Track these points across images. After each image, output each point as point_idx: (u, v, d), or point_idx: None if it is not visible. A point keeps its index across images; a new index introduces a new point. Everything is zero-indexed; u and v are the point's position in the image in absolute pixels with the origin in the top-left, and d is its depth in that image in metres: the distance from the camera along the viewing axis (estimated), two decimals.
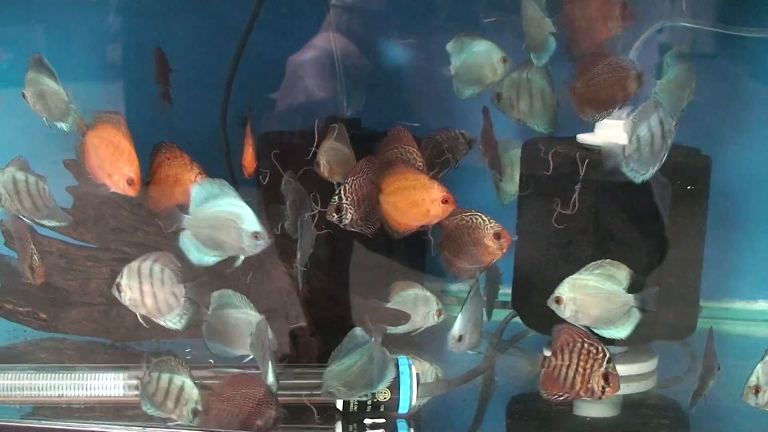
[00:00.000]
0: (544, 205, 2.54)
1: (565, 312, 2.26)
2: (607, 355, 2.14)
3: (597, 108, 2.39)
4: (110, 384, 2.38)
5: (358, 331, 2.20)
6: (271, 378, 2.21)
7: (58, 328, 2.69)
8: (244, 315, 2.30)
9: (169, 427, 2.20)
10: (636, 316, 2.26)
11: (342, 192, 2.27)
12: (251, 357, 2.27)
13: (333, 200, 2.26)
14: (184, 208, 2.20)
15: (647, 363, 2.60)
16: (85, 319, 2.66)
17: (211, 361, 2.54)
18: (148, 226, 2.63)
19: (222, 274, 2.41)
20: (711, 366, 2.22)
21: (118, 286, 2.28)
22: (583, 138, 2.57)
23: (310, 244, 2.38)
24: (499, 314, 2.89)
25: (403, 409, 2.31)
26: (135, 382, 2.27)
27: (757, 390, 2.11)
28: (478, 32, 2.57)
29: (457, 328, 2.42)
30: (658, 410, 2.43)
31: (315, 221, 2.40)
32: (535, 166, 2.56)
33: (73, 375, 2.39)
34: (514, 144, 2.70)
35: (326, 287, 2.62)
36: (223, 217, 2.15)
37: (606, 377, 2.14)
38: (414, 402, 2.31)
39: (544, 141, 2.60)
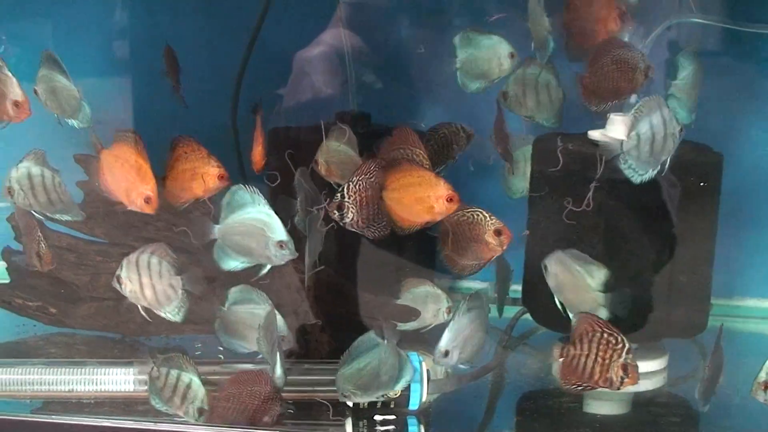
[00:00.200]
0: (555, 202, 2.53)
1: (549, 281, 2.36)
2: (627, 345, 2.13)
3: (603, 98, 2.39)
4: (120, 379, 2.38)
5: (370, 334, 2.21)
6: (279, 371, 2.22)
7: (67, 323, 2.70)
8: (263, 311, 2.32)
9: (178, 423, 2.20)
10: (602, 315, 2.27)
11: (345, 190, 2.26)
12: None
13: (336, 197, 2.26)
14: (205, 206, 2.24)
15: (658, 360, 2.59)
16: (95, 314, 2.67)
17: (220, 356, 2.55)
18: (158, 221, 2.63)
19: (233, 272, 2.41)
20: (719, 363, 2.22)
21: (118, 278, 2.31)
22: (595, 134, 2.56)
23: (320, 242, 2.38)
24: (509, 311, 2.88)
25: (414, 405, 2.31)
26: (145, 377, 2.27)
27: (766, 386, 2.10)
28: (485, 28, 2.57)
29: (443, 343, 2.34)
30: (668, 408, 2.43)
31: (323, 217, 2.40)
32: (546, 163, 2.55)
33: (83, 370, 2.40)
34: (530, 139, 2.69)
35: (336, 283, 2.61)
36: (252, 224, 2.21)
37: (625, 368, 2.13)
38: (424, 398, 2.31)
39: (556, 137, 2.59)
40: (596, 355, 2.13)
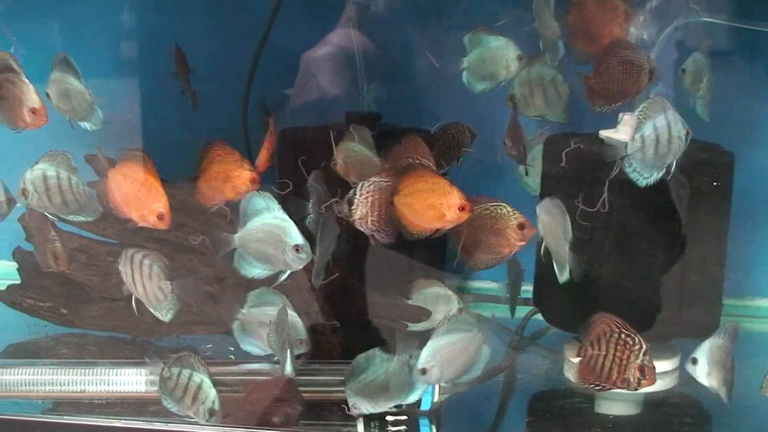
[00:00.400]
0: (566, 202, 2.53)
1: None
2: (644, 347, 2.12)
3: (607, 100, 2.39)
4: (131, 380, 2.39)
5: (376, 351, 2.23)
6: (289, 367, 2.23)
7: (78, 324, 2.70)
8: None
9: (189, 424, 2.20)
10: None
11: (359, 188, 2.26)
12: None
13: (348, 193, 2.26)
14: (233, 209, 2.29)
15: (670, 360, 2.58)
16: (106, 315, 2.67)
17: (231, 357, 2.55)
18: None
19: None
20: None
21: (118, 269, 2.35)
22: (606, 134, 2.55)
23: (333, 243, 2.38)
24: (520, 311, 2.88)
25: (425, 405, 2.30)
26: (156, 378, 2.27)
27: None
28: (495, 29, 2.57)
29: (420, 361, 2.19)
30: (680, 408, 2.42)
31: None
32: (557, 163, 2.55)
33: (94, 370, 2.40)
34: (546, 133, 2.69)
35: (346, 284, 2.61)
36: (269, 230, 2.21)
37: (642, 369, 2.12)
38: (435, 399, 2.31)
39: (567, 137, 2.58)
40: (614, 355, 2.12)
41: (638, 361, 2.11)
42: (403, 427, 2.28)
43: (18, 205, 2.43)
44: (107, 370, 2.41)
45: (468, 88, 2.62)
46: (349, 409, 2.23)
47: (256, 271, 2.26)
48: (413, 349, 2.21)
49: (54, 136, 2.46)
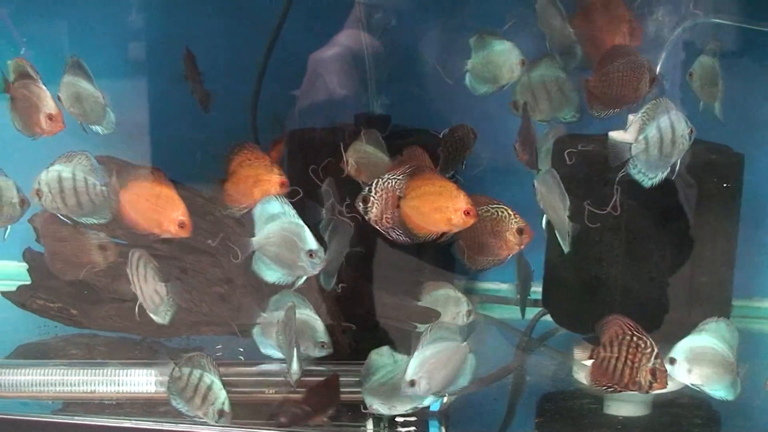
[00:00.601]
0: (575, 202, 2.53)
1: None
2: (656, 350, 2.12)
3: (606, 105, 2.38)
4: (141, 380, 2.39)
5: (385, 350, 2.23)
6: (295, 367, 2.24)
7: (88, 325, 2.70)
8: (305, 317, 2.36)
9: (198, 424, 2.21)
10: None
11: (374, 185, 2.26)
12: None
13: (364, 190, 2.26)
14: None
15: None
16: (116, 316, 2.67)
17: (241, 357, 2.56)
18: None
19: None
20: None
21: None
22: (615, 135, 2.55)
23: (345, 246, 2.39)
24: (530, 312, 2.87)
25: (434, 406, 2.30)
26: (165, 378, 2.27)
27: None
28: (500, 31, 2.58)
29: (410, 372, 2.16)
30: (689, 409, 2.42)
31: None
32: (567, 164, 2.55)
33: (103, 371, 2.41)
34: (561, 129, 2.69)
35: (356, 284, 2.61)
36: (285, 235, 2.22)
37: (653, 373, 2.12)
38: (445, 399, 2.31)
39: (576, 139, 2.59)
40: (626, 358, 2.12)
41: (650, 364, 2.11)
42: (412, 428, 2.28)
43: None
44: (117, 371, 2.41)
45: (470, 90, 2.62)
46: (366, 408, 2.24)
47: (275, 275, 2.27)
48: None
49: (65, 137, 2.46)
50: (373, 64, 3.01)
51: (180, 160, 2.94)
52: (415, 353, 2.17)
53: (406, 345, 2.25)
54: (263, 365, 2.46)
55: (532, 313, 2.87)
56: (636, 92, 2.34)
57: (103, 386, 2.41)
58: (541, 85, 2.58)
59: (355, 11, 2.99)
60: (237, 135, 2.94)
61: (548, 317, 2.79)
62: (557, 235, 2.38)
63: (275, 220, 2.24)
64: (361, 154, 2.54)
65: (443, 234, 2.23)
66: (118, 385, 2.40)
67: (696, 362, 2.19)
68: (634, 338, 2.12)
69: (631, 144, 2.24)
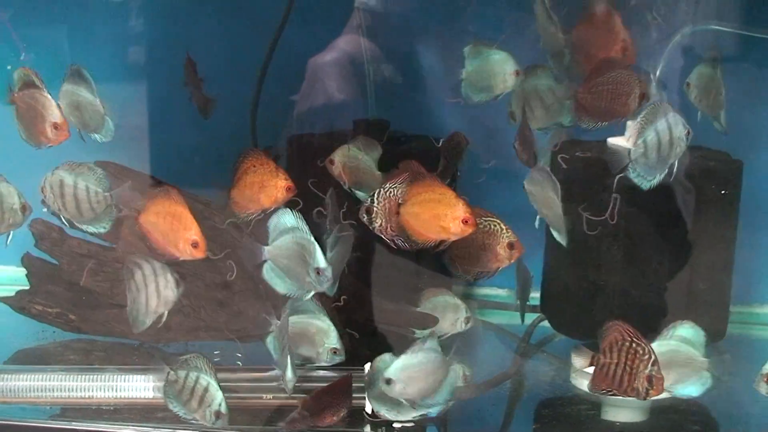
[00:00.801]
0: (573, 208, 2.53)
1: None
2: (653, 357, 2.12)
3: (594, 117, 2.38)
4: (139, 386, 2.39)
5: (387, 357, 2.22)
6: (289, 374, 2.25)
7: (87, 330, 2.70)
8: (319, 321, 2.37)
9: (195, 428, 2.21)
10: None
11: (375, 196, 2.26)
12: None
13: (366, 201, 2.26)
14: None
15: None
16: (114, 321, 2.67)
17: (239, 363, 2.56)
18: None
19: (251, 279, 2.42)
20: None
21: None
22: (614, 141, 2.55)
23: (346, 255, 2.40)
24: (528, 317, 2.87)
25: (432, 413, 2.30)
26: (162, 384, 2.27)
27: None
28: (496, 40, 2.58)
29: (390, 371, 2.19)
30: (687, 415, 2.42)
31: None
32: (564, 171, 2.55)
33: (102, 377, 2.41)
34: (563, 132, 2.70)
35: (355, 290, 2.62)
36: (296, 249, 2.22)
37: (650, 380, 2.12)
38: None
39: (574, 144, 2.59)
40: (625, 364, 2.13)
41: (647, 371, 2.12)
42: None
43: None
44: (115, 376, 2.41)
45: (465, 98, 2.63)
46: (371, 414, 2.26)
47: (287, 287, 2.27)
48: None
49: (66, 142, 2.46)
50: (373, 70, 3.01)
51: (179, 164, 2.95)
52: (403, 355, 2.19)
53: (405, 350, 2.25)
54: (262, 371, 2.47)
55: (531, 318, 2.87)
56: (625, 107, 2.33)
57: (101, 392, 2.40)
58: (536, 94, 2.58)
59: (354, 16, 2.99)
60: (236, 139, 2.95)
61: (546, 323, 2.79)
62: (553, 232, 2.39)
63: (288, 233, 2.24)
64: (350, 158, 2.54)
65: (442, 241, 2.23)
66: (116, 390, 2.40)
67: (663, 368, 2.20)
68: (633, 344, 2.12)
69: (630, 149, 2.24)
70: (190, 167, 2.99)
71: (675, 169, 2.26)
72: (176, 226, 2.26)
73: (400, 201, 2.21)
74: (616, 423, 2.38)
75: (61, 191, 2.32)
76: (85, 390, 2.40)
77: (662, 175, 2.26)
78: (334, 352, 2.37)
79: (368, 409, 2.29)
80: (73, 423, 2.30)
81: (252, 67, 2.98)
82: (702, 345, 2.23)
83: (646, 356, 2.12)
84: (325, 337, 2.38)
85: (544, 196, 2.36)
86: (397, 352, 2.22)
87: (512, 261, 2.35)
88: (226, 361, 2.58)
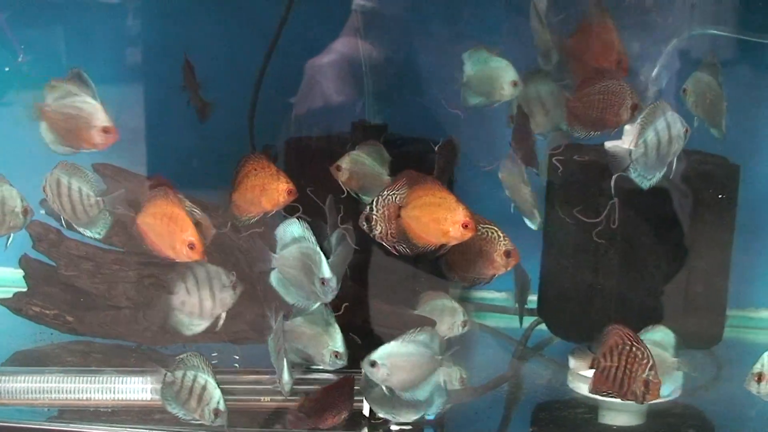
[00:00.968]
0: (570, 212, 2.54)
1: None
2: (651, 361, 2.13)
3: (585, 126, 2.39)
4: (137, 388, 2.39)
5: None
6: (285, 377, 2.25)
7: (84, 332, 2.70)
8: (325, 323, 2.37)
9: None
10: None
11: (374, 203, 2.27)
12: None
13: (366, 209, 2.26)
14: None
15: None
16: (112, 323, 2.67)
17: (236, 365, 2.56)
18: None
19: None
20: None
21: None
22: (611, 145, 2.56)
23: (347, 260, 2.40)
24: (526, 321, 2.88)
25: (430, 415, 2.30)
26: (161, 386, 2.27)
27: (760, 378, 2.12)
28: (497, 44, 2.58)
29: (376, 354, 2.18)
30: (684, 418, 2.42)
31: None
32: (561, 174, 2.56)
33: (99, 378, 2.41)
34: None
35: (352, 293, 2.62)
36: (302, 259, 2.24)
37: (647, 384, 2.13)
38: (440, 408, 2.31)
39: (571, 148, 2.59)
40: (624, 367, 2.13)
41: (644, 375, 2.12)
42: None
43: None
44: (113, 378, 2.41)
45: (462, 101, 2.63)
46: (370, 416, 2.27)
47: (294, 297, 2.29)
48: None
49: None
50: (371, 72, 3.01)
51: (177, 167, 2.95)
52: (393, 342, 2.19)
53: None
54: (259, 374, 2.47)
55: (528, 321, 2.88)
56: (617, 117, 2.34)
57: (99, 394, 2.40)
58: (536, 100, 2.59)
59: (352, 19, 2.99)
60: (234, 142, 2.95)
61: (544, 326, 2.79)
62: (524, 217, 2.45)
63: (295, 243, 2.25)
64: (357, 165, 2.54)
65: (442, 245, 2.23)
66: (114, 392, 2.40)
67: None
68: (633, 348, 2.13)
69: (630, 150, 2.25)
70: (188, 170, 2.99)
71: (674, 167, 2.27)
72: (173, 228, 2.26)
73: (400, 204, 2.21)
74: (613, 426, 2.39)
75: (58, 191, 2.32)
76: (82, 392, 2.40)
77: (661, 174, 2.26)
78: (336, 356, 2.38)
79: (366, 411, 2.30)
80: (71, 425, 2.30)
81: (250, 69, 2.98)
82: (672, 346, 2.26)
83: (645, 360, 2.12)
84: (330, 339, 2.38)
85: (513, 182, 2.43)
86: None
87: (508, 269, 2.35)
88: (224, 363, 2.58)
